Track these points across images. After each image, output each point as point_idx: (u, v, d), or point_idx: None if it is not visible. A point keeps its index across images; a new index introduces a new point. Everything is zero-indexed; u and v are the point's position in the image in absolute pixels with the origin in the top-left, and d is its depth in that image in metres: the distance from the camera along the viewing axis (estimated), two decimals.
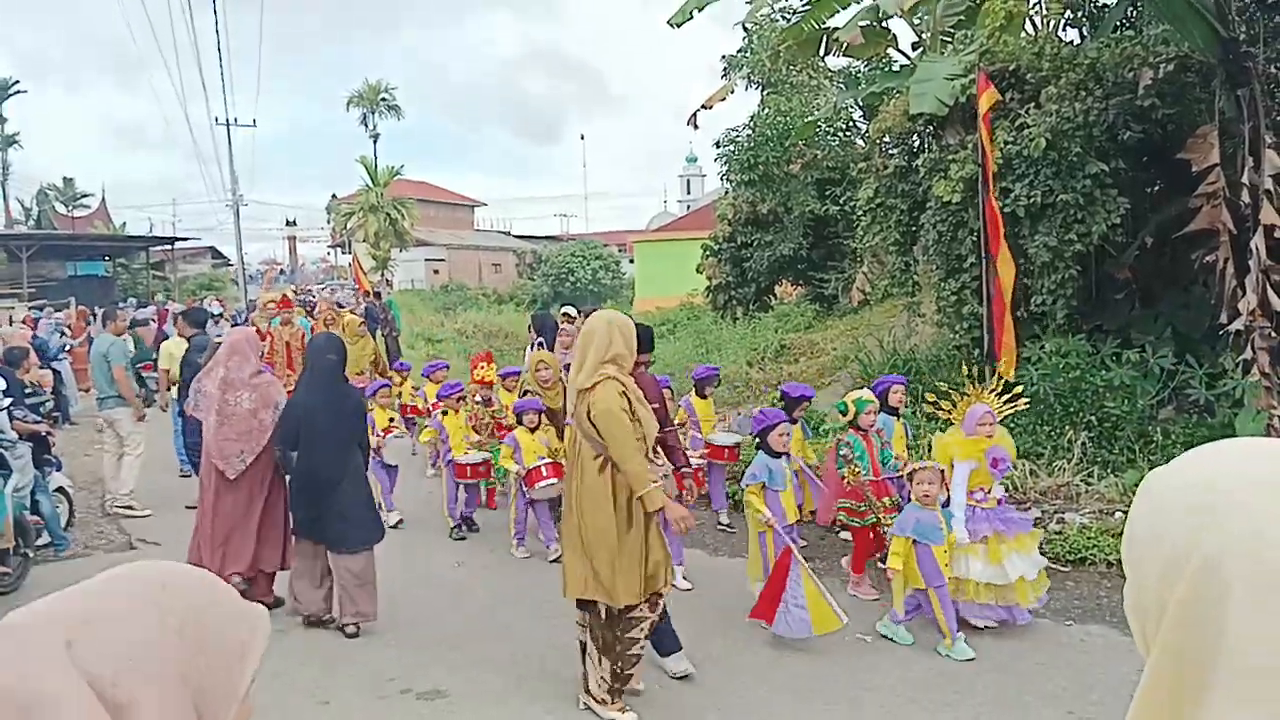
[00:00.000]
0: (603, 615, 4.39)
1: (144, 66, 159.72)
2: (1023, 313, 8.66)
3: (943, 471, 5.33)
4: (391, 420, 8.91)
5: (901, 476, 5.79)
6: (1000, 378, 7.32)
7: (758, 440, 5.78)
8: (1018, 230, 8.43)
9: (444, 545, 7.67)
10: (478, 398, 8.29)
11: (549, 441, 7.18)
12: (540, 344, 10.01)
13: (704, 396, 8.05)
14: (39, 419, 7.26)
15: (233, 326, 15.40)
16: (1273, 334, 7.21)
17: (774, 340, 15.69)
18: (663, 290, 29.89)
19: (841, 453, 6.12)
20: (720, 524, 7.80)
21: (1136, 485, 5.54)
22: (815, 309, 18.22)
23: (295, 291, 23.91)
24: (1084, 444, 7.70)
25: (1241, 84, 7.64)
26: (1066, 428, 7.94)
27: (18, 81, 56.43)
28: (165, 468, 9.95)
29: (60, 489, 7.61)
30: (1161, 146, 8.33)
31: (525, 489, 7.01)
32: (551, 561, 6.87)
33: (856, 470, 6.03)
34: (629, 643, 4.44)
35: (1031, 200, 8.30)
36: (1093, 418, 7.95)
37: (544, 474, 6.87)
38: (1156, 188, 9.04)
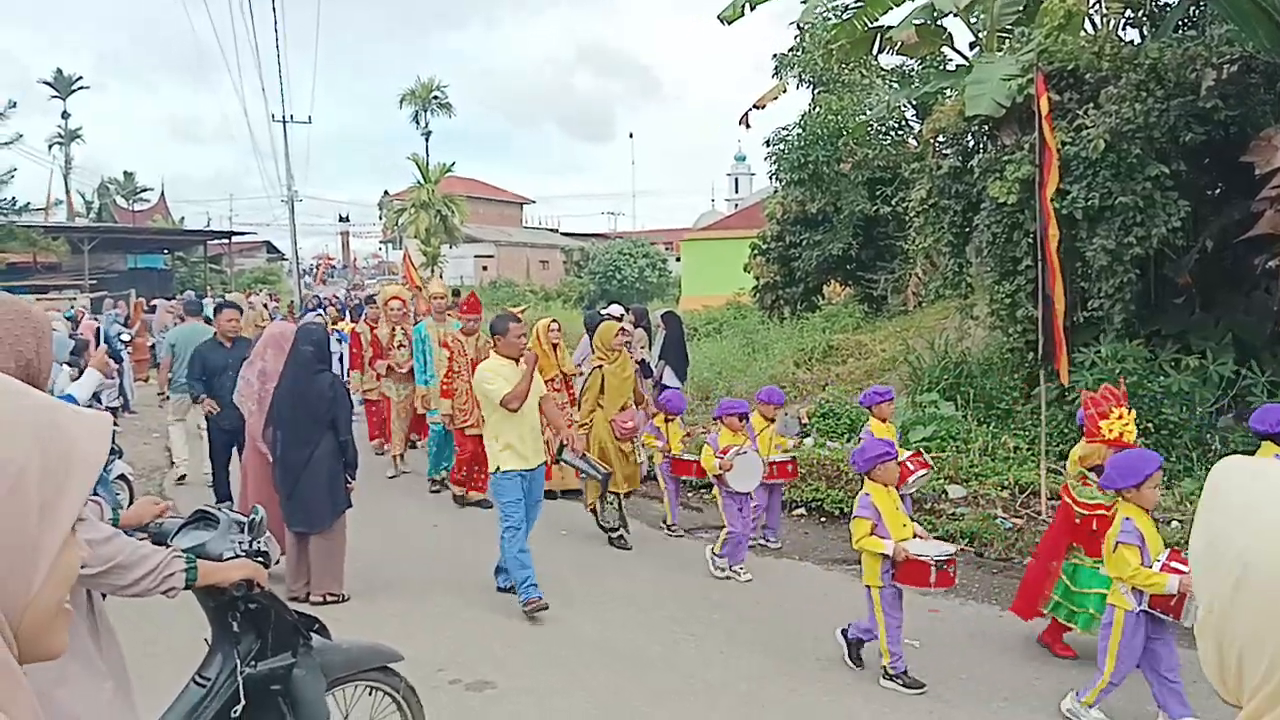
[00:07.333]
0: None
1: (204, 64, 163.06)
2: (1079, 316, 8.53)
3: None
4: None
5: None
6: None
7: None
8: (1075, 233, 8.30)
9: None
10: None
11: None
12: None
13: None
14: (105, 408, 7.48)
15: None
16: None
17: (821, 341, 15.59)
18: (710, 289, 29.83)
19: None
20: None
21: (1193, 494, 5.51)
22: (864, 310, 18.08)
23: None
24: None
25: None
26: None
27: (81, 77, 57.91)
28: None
29: (122, 476, 7.82)
30: (1224, 149, 8.15)
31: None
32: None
33: None
34: None
35: (1089, 202, 8.17)
36: (1149, 424, 7.79)
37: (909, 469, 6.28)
38: (1218, 191, 8.85)
